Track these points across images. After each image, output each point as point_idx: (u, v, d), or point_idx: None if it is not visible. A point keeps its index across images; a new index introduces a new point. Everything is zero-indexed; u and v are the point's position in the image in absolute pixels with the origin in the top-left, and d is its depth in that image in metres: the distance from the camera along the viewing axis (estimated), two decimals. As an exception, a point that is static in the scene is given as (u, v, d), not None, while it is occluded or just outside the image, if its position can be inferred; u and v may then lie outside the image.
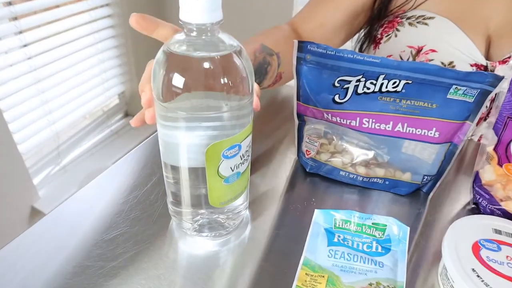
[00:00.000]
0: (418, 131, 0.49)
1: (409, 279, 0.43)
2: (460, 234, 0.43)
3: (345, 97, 0.49)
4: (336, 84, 0.48)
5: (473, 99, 0.45)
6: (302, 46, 0.48)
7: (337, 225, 0.48)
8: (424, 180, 0.53)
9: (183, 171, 0.40)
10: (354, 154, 0.54)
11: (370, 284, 0.41)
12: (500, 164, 0.47)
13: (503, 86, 0.45)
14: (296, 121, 0.54)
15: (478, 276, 0.39)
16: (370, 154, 0.53)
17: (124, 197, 0.50)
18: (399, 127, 0.49)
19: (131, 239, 0.45)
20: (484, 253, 0.41)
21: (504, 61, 0.62)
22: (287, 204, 0.51)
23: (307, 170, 0.56)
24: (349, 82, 0.48)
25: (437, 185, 0.54)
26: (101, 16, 1.69)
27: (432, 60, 0.65)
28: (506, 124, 0.45)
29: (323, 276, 0.42)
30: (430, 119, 0.48)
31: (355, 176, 0.54)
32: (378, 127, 0.50)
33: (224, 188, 0.41)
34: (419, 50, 0.67)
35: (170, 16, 1.83)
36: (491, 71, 0.62)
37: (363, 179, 0.54)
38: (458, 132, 0.48)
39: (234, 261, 0.44)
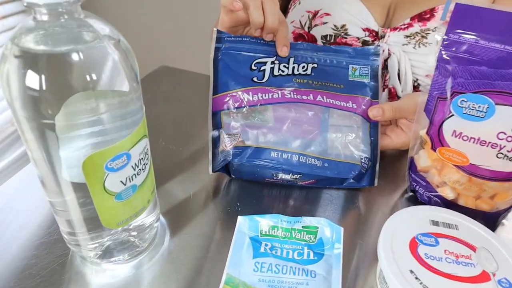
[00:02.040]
0: (338, 103, 0.49)
1: (345, 286, 0.38)
2: (396, 231, 0.38)
3: (263, 78, 0.49)
4: (253, 67, 0.49)
5: (369, 79, 0.50)
6: (220, 37, 0.48)
7: (263, 232, 0.42)
8: (363, 160, 0.49)
9: (67, 191, 0.32)
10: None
11: None
12: (433, 148, 0.43)
13: (430, 64, 0.41)
14: (210, 127, 0.48)
15: (416, 278, 0.34)
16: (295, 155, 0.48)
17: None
18: (319, 98, 0.49)
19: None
20: (422, 250, 0.37)
21: (395, 28, 0.62)
22: (208, 213, 0.45)
23: (232, 162, 0.48)
24: (265, 63, 0.49)
25: (377, 169, 0.50)
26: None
27: (326, 23, 0.66)
28: (437, 104, 0.41)
29: None
30: (343, 95, 0.49)
31: (289, 155, 0.48)
32: (301, 97, 0.48)
33: (118, 206, 0.34)
34: (315, 14, 0.67)
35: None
36: (381, 37, 0.63)
37: (299, 158, 0.48)
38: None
39: (149, 285, 0.37)
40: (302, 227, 0.42)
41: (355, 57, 0.50)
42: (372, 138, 0.50)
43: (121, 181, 0.32)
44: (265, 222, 0.42)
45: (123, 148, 0.31)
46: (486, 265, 0.36)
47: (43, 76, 0.26)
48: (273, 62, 0.49)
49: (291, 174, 0.47)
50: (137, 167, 0.33)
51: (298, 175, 0.47)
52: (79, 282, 0.37)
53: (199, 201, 0.46)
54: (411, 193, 0.49)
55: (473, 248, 0.38)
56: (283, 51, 0.49)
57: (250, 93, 0.48)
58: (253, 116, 0.48)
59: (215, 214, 0.45)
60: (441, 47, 0.39)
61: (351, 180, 0.48)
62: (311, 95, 0.48)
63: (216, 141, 0.48)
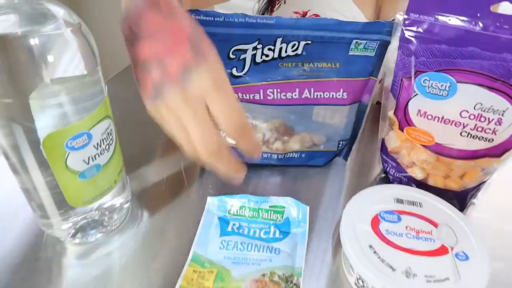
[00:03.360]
0: (326, 95, 0.45)
1: (312, 263, 0.39)
2: (360, 208, 0.39)
3: (243, 69, 0.44)
4: (231, 56, 0.43)
5: (374, 53, 0.43)
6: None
7: (231, 212, 0.43)
8: (340, 145, 0.50)
9: (33, 171, 0.33)
10: (263, 131, 0.49)
11: (263, 275, 0.37)
12: (401, 128, 0.44)
13: (393, 46, 0.41)
14: None
15: (375, 252, 0.35)
16: (280, 126, 0.48)
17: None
18: (306, 94, 0.45)
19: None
20: (383, 226, 0.38)
21: None
22: (180, 195, 0.46)
23: None
24: (245, 51, 0.42)
25: (353, 149, 0.51)
26: None
27: None
28: (402, 84, 0.42)
29: (212, 272, 0.37)
30: (336, 80, 0.45)
31: (269, 155, 0.50)
32: (285, 97, 0.45)
33: (83, 185, 0.35)
34: (304, 15, 0.64)
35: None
36: None
37: (278, 156, 0.50)
38: (365, 89, 0.46)
39: (118, 264, 0.38)
40: (269, 206, 0.43)
41: (363, 32, 0.42)
42: (357, 120, 0.49)
43: (84, 160, 0.33)
44: (233, 202, 0.43)
45: (82, 128, 0.32)
46: (446, 240, 0.37)
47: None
48: (255, 48, 0.42)
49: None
50: (100, 146, 0.34)
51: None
52: (55, 262, 0.38)
53: (172, 184, 0.47)
54: (383, 175, 0.50)
55: (435, 224, 0.38)
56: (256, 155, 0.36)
57: None
58: None
59: (187, 197, 0.46)
60: (402, 27, 0.39)
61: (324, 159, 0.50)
62: (296, 90, 0.45)
63: None
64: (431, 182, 0.45)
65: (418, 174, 0.45)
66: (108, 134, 0.35)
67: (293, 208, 0.43)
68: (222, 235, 0.40)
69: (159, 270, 0.37)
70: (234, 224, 0.41)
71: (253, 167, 0.50)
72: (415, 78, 0.40)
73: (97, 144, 0.34)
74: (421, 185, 0.46)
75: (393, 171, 0.47)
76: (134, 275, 0.37)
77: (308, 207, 0.43)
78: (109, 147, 0.36)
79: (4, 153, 0.33)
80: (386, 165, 0.48)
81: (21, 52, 0.28)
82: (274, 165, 0.51)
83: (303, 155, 0.50)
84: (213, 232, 0.41)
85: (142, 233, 0.41)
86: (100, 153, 0.35)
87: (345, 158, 0.53)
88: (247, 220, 0.42)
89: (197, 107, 0.30)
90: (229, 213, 0.43)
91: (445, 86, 0.39)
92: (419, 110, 0.41)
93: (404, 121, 0.43)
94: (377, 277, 0.33)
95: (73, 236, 0.39)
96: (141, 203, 0.44)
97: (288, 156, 0.50)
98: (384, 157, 0.48)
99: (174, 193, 0.46)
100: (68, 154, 0.32)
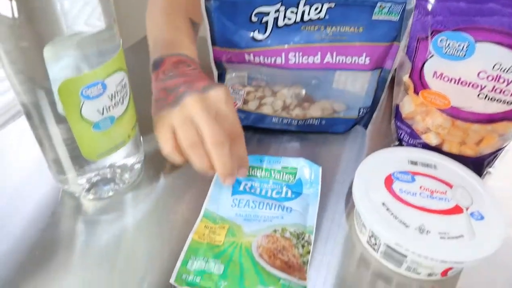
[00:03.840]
0: (348, 59, 0.45)
1: (324, 224, 0.39)
2: (373, 168, 0.39)
3: (265, 32, 0.43)
4: (254, 19, 0.43)
5: (398, 17, 0.42)
6: None
7: None
8: (361, 113, 0.50)
9: (51, 126, 0.34)
10: (284, 96, 0.49)
11: (275, 231, 0.37)
12: (416, 92, 0.43)
13: (410, 5, 0.41)
14: (215, 71, 0.48)
15: (388, 209, 0.35)
16: (302, 93, 0.48)
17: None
18: (328, 58, 0.45)
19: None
20: (397, 185, 0.37)
21: None
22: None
23: None
24: (268, 13, 0.42)
25: (373, 117, 0.50)
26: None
27: None
28: (418, 46, 0.41)
29: (223, 227, 0.37)
30: (358, 44, 0.44)
31: (289, 120, 0.49)
32: (306, 61, 0.45)
33: (97, 136, 0.35)
34: None
35: None
36: None
37: (298, 122, 0.49)
38: (388, 55, 0.45)
39: (132, 220, 0.38)
40: (282, 167, 0.43)
41: None
42: (378, 87, 0.48)
43: (98, 110, 0.34)
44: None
45: (97, 77, 0.32)
46: (460, 200, 0.36)
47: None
48: (277, 10, 0.42)
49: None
50: (114, 98, 0.34)
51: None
52: (70, 217, 0.39)
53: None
54: (397, 142, 0.49)
55: (449, 186, 0.38)
56: (241, 174, 0.41)
57: (252, 54, 0.45)
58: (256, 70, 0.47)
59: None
60: (420, -16, 0.38)
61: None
62: (318, 54, 0.44)
63: (221, 81, 0.49)
64: (446, 148, 0.45)
65: (433, 140, 0.45)
66: (122, 86, 0.35)
67: (306, 169, 0.42)
68: (234, 194, 0.40)
69: (172, 228, 0.38)
70: (246, 184, 0.42)
71: (273, 132, 0.50)
72: (431, 38, 0.39)
73: (111, 95, 0.34)
74: (436, 151, 0.45)
75: (408, 137, 0.47)
76: (147, 231, 0.37)
77: (320, 168, 0.43)
78: (123, 100, 0.36)
79: (25, 110, 0.33)
80: (400, 132, 0.47)
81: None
82: (293, 131, 0.51)
83: (323, 122, 0.50)
84: (225, 191, 0.41)
85: (155, 192, 0.41)
86: (114, 104, 0.35)
87: (365, 126, 0.52)
88: (259, 180, 0.42)
89: (210, 110, 0.37)
90: None
91: (463, 46, 0.38)
92: (435, 72, 0.41)
93: (420, 84, 0.42)
94: (389, 233, 0.33)
95: (88, 191, 0.39)
96: (154, 164, 0.45)
97: (308, 123, 0.50)
98: (398, 123, 0.48)
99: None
100: (83, 103, 0.32)
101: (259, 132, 0.50)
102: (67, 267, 0.34)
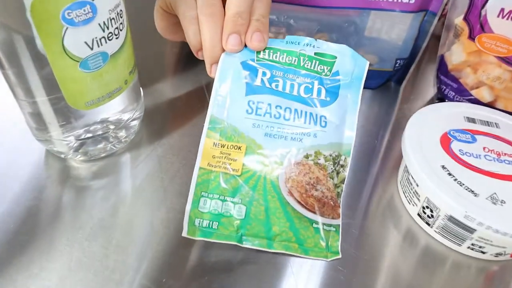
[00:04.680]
0: None
1: (359, 189, 0.32)
2: (425, 126, 0.32)
3: None
4: None
5: None
6: None
7: (260, 56, 0.30)
8: (397, 65, 0.42)
9: (25, 63, 0.26)
10: None
11: (307, 157, 0.28)
12: (472, 37, 0.36)
13: None
14: None
15: (449, 174, 0.28)
16: (331, 39, 0.40)
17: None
18: None
19: None
20: (455, 146, 0.30)
21: None
22: (200, 113, 0.38)
23: None
24: None
25: (410, 71, 0.43)
26: None
27: None
28: (481, -23, 0.33)
29: (240, 148, 0.28)
30: None
31: None
32: None
33: (85, 79, 0.27)
34: None
35: None
36: None
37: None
38: None
39: (130, 185, 0.31)
40: (315, 54, 0.31)
41: None
42: (420, 34, 0.40)
43: (86, 43, 0.26)
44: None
45: (84, -6, 0.24)
46: (533, 164, 0.30)
47: None
48: None
49: None
50: (107, 28, 0.26)
51: None
52: (57, 181, 0.31)
53: (191, 101, 0.40)
54: (438, 101, 0.42)
55: (517, 147, 0.31)
56: (255, 41, 0.30)
57: None
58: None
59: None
60: None
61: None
62: None
63: None
64: (500, 106, 0.38)
65: (485, 96, 0.38)
66: (117, 14, 0.27)
67: (348, 59, 0.31)
68: (249, 93, 0.29)
69: (177, 190, 0.31)
70: (264, 73, 0.30)
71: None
72: (503, -36, 0.32)
73: (104, 23, 0.26)
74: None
75: (453, 94, 0.40)
76: (149, 196, 0.30)
77: (367, 62, 0.31)
78: (118, 32, 0.28)
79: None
80: (444, 88, 0.40)
81: None
82: None
83: None
84: (235, 86, 0.29)
85: (157, 151, 0.34)
86: (108, 37, 0.27)
87: (399, 83, 0.45)
88: (283, 69, 0.30)
89: None
90: (257, 56, 0.30)
91: (543, -26, 0.31)
92: (502, 10, 0.33)
93: (479, 27, 0.35)
94: (456, 202, 0.26)
95: (76, 151, 0.32)
96: (156, 120, 0.37)
97: None
98: (442, 77, 0.41)
99: (192, 110, 0.39)
100: (65, 30, 0.24)
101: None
102: (53, 244, 0.27)
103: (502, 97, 0.38)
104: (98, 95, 0.29)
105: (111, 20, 0.27)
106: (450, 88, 0.40)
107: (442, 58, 0.40)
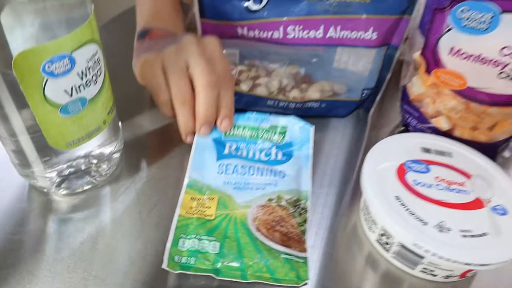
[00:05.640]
0: (354, 34, 0.40)
1: (326, 216, 0.35)
2: (383, 157, 0.35)
3: (261, 2, 0.38)
4: None
5: None
6: None
7: (227, 133, 0.39)
8: (364, 95, 0.45)
9: (8, 107, 0.28)
10: (280, 77, 0.43)
11: (270, 200, 0.33)
12: (428, 71, 0.39)
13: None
14: None
15: (402, 204, 0.31)
16: (301, 72, 0.43)
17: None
18: (331, 32, 0.40)
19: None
20: (410, 176, 0.33)
21: None
22: (178, 144, 0.41)
23: None
24: None
25: (377, 99, 0.46)
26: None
27: None
28: (433, 18, 0.36)
29: (213, 199, 0.33)
30: (365, 17, 0.39)
31: (286, 103, 0.44)
32: (307, 35, 0.40)
33: (65, 122, 0.30)
34: None
35: None
36: None
37: (295, 105, 0.44)
38: (397, 30, 0.40)
39: (110, 217, 0.33)
40: (270, 126, 0.39)
41: None
42: (384, 66, 0.43)
43: (66, 91, 0.28)
44: None
45: (62, 48, 0.27)
46: (480, 192, 0.32)
47: None
48: None
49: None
50: (85, 76, 0.29)
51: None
52: (40, 214, 0.33)
53: (169, 133, 0.42)
54: (403, 127, 0.45)
55: (467, 176, 0.34)
56: (224, 125, 0.39)
57: (245, 28, 0.40)
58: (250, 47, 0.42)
59: (185, 146, 0.41)
60: None
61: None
62: (321, 28, 0.39)
63: None
64: (457, 133, 0.41)
65: (443, 125, 0.41)
66: (95, 62, 0.30)
67: (296, 128, 0.39)
68: (220, 159, 0.37)
69: (154, 222, 0.33)
70: (230, 146, 0.38)
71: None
72: (450, 8, 0.35)
73: (82, 72, 0.29)
74: (446, 137, 0.41)
75: (415, 122, 0.43)
76: (127, 229, 0.33)
77: (312, 127, 0.40)
78: (96, 78, 0.30)
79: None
80: (407, 116, 0.43)
81: None
82: (314, 115, 0.46)
83: (323, 105, 0.45)
84: (208, 156, 0.37)
85: (136, 184, 0.36)
86: (86, 84, 0.29)
87: (367, 110, 0.47)
88: (245, 141, 0.39)
89: (206, 52, 0.38)
90: (224, 134, 0.39)
91: (486, 18, 0.34)
92: (452, 48, 0.36)
93: (433, 62, 0.38)
94: (407, 231, 0.29)
95: (58, 185, 0.34)
96: (135, 152, 0.39)
97: (306, 106, 0.45)
98: (405, 107, 0.43)
99: (170, 143, 0.41)
100: (46, 81, 0.27)
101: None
102: (36, 275, 0.29)
103: (459, 126, 0.40)
104: (78, 136, 0.31)
105: (88, 68, 0.29)
106: (412, 116, 0.43)
107: (404, 88, 0.43)
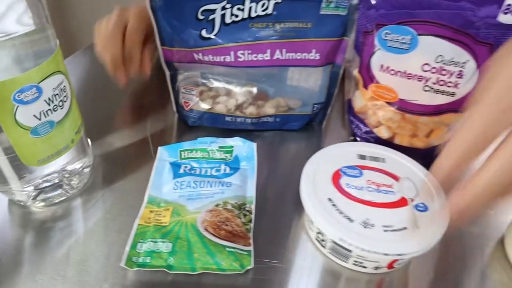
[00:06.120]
0: (298, 56, 0.45)
1: (277, 223, 0.39)
2: (321, 164, 0.39)
3: (213, 30, 0.43)
4: (200, 16, 0.42)
5: (346, 12, 0.42)
6: None
7: (182, 156, 0.44)
8: (315, 109, 0.50)
9: None
10: (237, 95, 0.48)
11: (217, 205, 0.38)
12: (365, 86, 0.43)
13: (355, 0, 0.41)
14: (167, 72, 0.48)
15: (333, 204, 0.35)
16: (254, 90, 0.48)
17: None
18: (277, 55, 0.45)
19: None
20: (344, 180, 0.37)
21: None
22: (145, 160, 0.45)
23: (189, 124, 0.50)
24: (214, 11, 0.42)
25: (328, 112, 0.51)
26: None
27: None
28: (364, 40, 0.41)
29: (168, 209, 0.38)
30: (307, 40, 0.44)
31: (243, 119, 0.49)
32: (256, 58, 0.45)
33: (36, 142, 0.34)
34: None
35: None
36: None
37: (252, 121, 0.49)
38: (338, 50, 0.45)
39: (82, 227, 0.38)
40: (219, 147, 0.44)
41: None
42: (331, 82, 0.48)
43: (35, 116, 0.33)
44: (184, 147, 0.44)
45: (30, 80, 0.31)
46: (406, 192, 0.37)
47: None
48: (223, 8, 0.42)
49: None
50: (52, 102, 0.34)
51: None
52: (21, 225, 0.38)
53: (138, 150, 0.47)
54: (352, 138, 0.50)
55: (396, 178, 0.38)
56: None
57: (201, 54, 0.45)
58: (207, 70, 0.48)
59: (153, 162, 0.45)
60: (362, -21, 0.38)
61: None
62: (268, 51, 0.44)
63: (173, 82, 0.49)
64: (397, 141, 0.45)
65: (384, 134, 0.45)
66: (61, 90, 0.34)
67: (241, 146, 0.44)
68: (175, 178, 0.41)
69: (117, 229, 0.37)
70: (186, 167, 0.43)
71: (227, 132, 0.49)
72: (376, 32, 0.39)
73: (49, 99, 0.33)
74: (387, 145, 0.46)
75: (360, 132, 0.47)
76: (95, 234, 0.37)
77: (254, 144, 0.45)
78: (63, 104, 0.35)
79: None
80: (354, 127, 0.48)
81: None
82: (249, 130, 0.50)
83: (277, 119, 0.50)
84: (166, 176, 0.42)
85: (104, 195, 0.41)
86: (53, 109, 0.34)
87: (320, 123, 0.52)
88: (198, 161, 0.43)
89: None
90: (180, 157, 0.44)
91: (406, 39, 0.38)
92: (382, 66, 0.41)
93: (368, 79, 0.43)
94: (335, 228, 0.33)
95: (34, 198, 0.38)
96: (105, 167, 0.44)
97: (262, 121, 0.50)
98: (351, 118, 0.48)
99: (139, 158, 0.45)
100: (16, 108, 0.31)
101: (213, 132, 0.50)
102: (16, 282, 0.33)
103: (398, 134, 0.45)
104: (48, 154, 0.35)
105: (55, 95, 0.34)
106: (358, 127, 0.47)
107: (349, 102, 0.48)
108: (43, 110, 0.33)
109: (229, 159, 0.44)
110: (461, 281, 0.35)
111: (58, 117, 0.35)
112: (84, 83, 0.57)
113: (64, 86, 0.35)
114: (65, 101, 0.35)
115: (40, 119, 0.33)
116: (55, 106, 0.34)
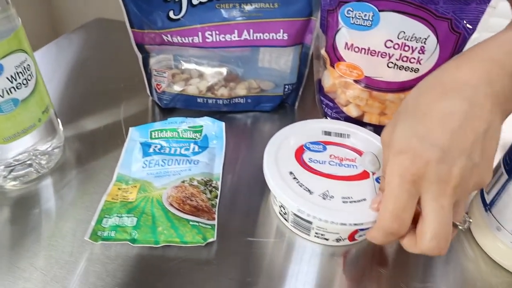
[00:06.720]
0: (266, 36, 0.45)
1: (242, 201, 0.39)
2: (286, 140, 0.39)
3: (180, 11, 0.44)
4: None
5: None
6: None
7: (153, 136, 0.45)
8: (286, 90, 0.51)
9: None
10: (208, 77, 0.49)
11: (183, 181, 0.39)
12: (332, 65, 0.44)
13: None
14: (139, 55, 0.48)
15: (294, 178, 0.35)
16: (224, 71, 0.49)
17: None
18: (245, 35, 0.45)
19: None
20: (307, 155, 0.38)
21: None
22: (117, 142, 0.46)
23: (162, 106, 0.51)
24: None
25: (299, 93, 0.51)
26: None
27: None
28: (328, 18, 0.42)
29: (135, 186, 0.39)
30: (275, 20, 0.44)
31: (214, 101, 0.50)
32: (224, 39, 0.45)
33: (1, 120, 0.35)
34: None
35: None
36: None
37: (223, 102, 0.50)
38: (307, 30, 0.46)
39: (54, 205, 0.38)
40: (188, 127, 0.45)
41: None
42: (301, 62, 0.49)
43: (-3, 93, 0.33)
44: (154, 127, 0.45)
45: (-9, 57, 0.32)
46: (368, 166, 0.37)
47: None
48: None
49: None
50: (15, 80, 0.34)
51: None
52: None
53: (110, 133, 0.47)
54: (324, 117, 0.50)
55: (359, 153, 0.39)
56: None
57: (169, 35, 0.45)
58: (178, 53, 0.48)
59: (119, 142, 0.45)
60: (323, -44, 0.39)
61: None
62: (235, 32, 0.45)
63: (146, 65, 0.49)
64: (366, 119, 0.46)
65: (353, 112, 0.46)
66: (24, 68, 0.35)
67: (211, 126, 0.46)
68: (144, 156, 0.42)
69: (85, 206, 0.38)
70: (155, 146, 0.43)
71: (201, 114, 0.50)
72: (339, 9, 0.40)
73: (11, 76, 0.34)
74: (357, 123, 0.46)
75: (331, 111, 0.48)
76: (64, 210, 0.37)
77: (223, 123, 0.46)
78: (27, 82, 0.35)
79: None
80: (324, 106, 0.48)
81: None
82: (222, 112, 0.51)
83: (249, 100, 0.50)
84: (136, 155, 0.42)
85: (76, 175, 0.41)
86: (16, 87, 0.34)
87: (293, 104, 0.53)
88: (168, 140, 0.44)
89: None
90: (150, 137, 0.45)
91: (369, 16, 0.39)
92: (346, 43, 0.41)
93: (334, 57, 0.43)
94: (293, 200, 0.34)
95: (6, 177, 0.39)
96: (77, 149, 0.44)
97: (234, 102, 0.50)
98: (322, 98, 0.48)
99: (111, 140, 0.46)
100: (-23, 85, 0.32)
101: (187, 114, 0.50)
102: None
103: (367, 112, 0.45)
104: (13, 132, 0.36)
105: (18, 73, 0.34)
106: (328, 106, 0.48)
107: (319, 82, 0.48)
108: (5, 88, 0.34)
109: (199, 138, 0.44)
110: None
111: (23, 95, 0.35)
112: (62, 67, 0.58)
113: (28, 65, 0.35)
114: (29, 80, 0.36)
115: (3, 96, 0.34)
116: (18, 84, 0.35)
